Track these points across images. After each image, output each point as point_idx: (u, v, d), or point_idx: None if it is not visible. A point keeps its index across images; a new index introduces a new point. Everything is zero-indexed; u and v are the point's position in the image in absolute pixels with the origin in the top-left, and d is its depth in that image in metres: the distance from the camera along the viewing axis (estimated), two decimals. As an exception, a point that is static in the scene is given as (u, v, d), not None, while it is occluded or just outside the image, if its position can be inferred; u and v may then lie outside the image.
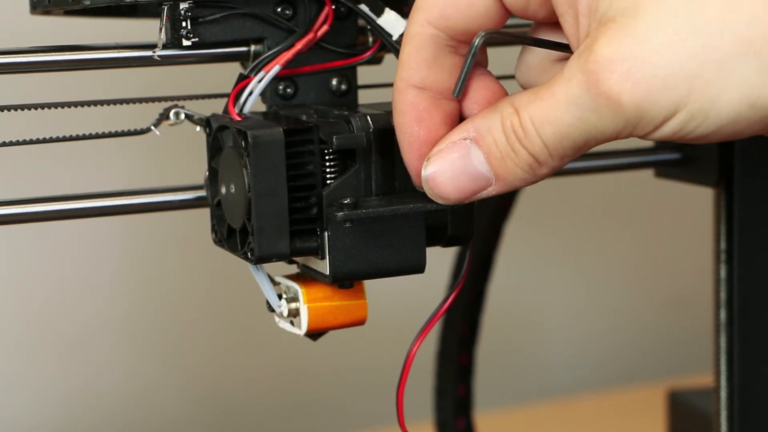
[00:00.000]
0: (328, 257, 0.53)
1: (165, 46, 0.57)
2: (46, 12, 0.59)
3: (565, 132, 0.49)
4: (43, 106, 0.59)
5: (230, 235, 0.56)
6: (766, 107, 0.49)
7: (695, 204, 0.98)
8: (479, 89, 0.53)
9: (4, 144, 0.58)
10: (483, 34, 0.50)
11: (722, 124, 0.50)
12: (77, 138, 0.60)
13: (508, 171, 0.50)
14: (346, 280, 0.54)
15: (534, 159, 0.50)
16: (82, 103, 0.60)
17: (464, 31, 0.51)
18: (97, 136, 0.60)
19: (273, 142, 0.52)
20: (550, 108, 0.49)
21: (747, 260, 0.66)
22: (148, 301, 1.11)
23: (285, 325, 0.58)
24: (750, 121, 0.50)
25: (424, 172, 0.51)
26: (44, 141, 0.59)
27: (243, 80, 0.57)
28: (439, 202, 0.51)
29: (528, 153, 0.50)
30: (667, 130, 0.50)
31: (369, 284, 0.56)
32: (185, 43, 0.57)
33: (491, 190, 0.51)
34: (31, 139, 0.59)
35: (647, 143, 0.68)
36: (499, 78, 0.54)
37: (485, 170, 0.50)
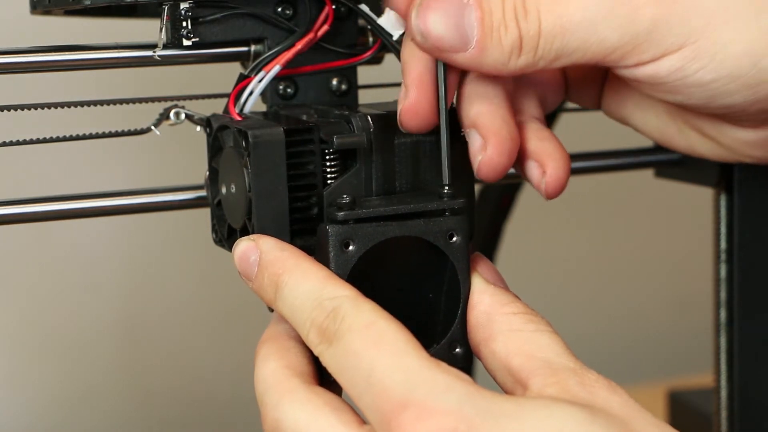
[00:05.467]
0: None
1: (165, 46, 0.57)
2: (46, 12, 0.59)
3: (567, 28, 0.49)
4: (43, 106, 0.59)
5: (231, 235, 0.56)
6: (767, 71, 0.49)
7: (695, 204, 0.98)
8: None
9: (4, 144, 0.58)
10: None
11: (721, 75, 0.50)
12: (77, 138, 0.60)
13: (491, 44, 0.50)
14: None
15: (519, 42, 0.50)
16: (82, 103, 0.60)
17: None
18: (97, 136, 0.60)
19: (274, 142, 0.52)
20: (561, 2, 0.49)
21: (747, 260, 0.66)
22: (148, 301, 1.11)
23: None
24: (744, 83, 0.50)
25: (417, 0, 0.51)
26: (44, 141, 0.59)
27: (243, 80, 0.57)
28: (418, 38, 0.51)
29: (518, 33, 0.50)
30: (665, 65, 0.50)
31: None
32: (185, 43, 0.57)
33: (463, 56, 0.50)
34: (31, 139, 0.59)
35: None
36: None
37: (471, 32, 0.50)
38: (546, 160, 0.54)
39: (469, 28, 0.50)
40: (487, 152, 0.53)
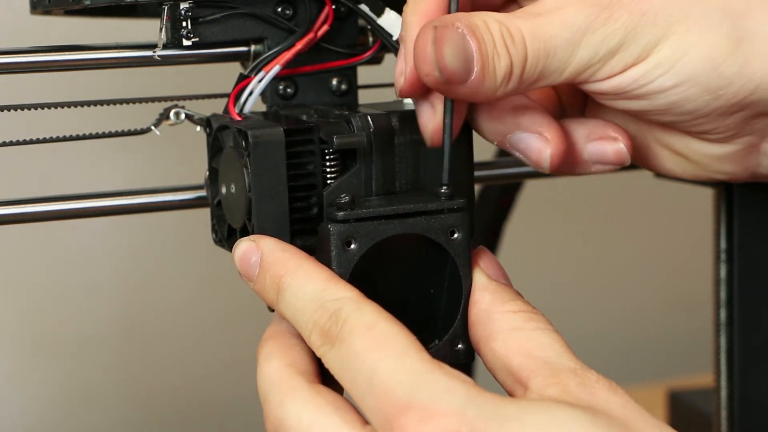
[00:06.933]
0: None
1: (165, 46, 0.57)
2: (46, 12, 0.59)
3: (550, 51, 0.50)
4: (43, 106, 0.59)
5: (231, 235, 0.56)
6: (727, 77, 0.50)
7: (695, 204, 0.98)
8: None
9: (4, 144, 0.58)
10: None
11: (682, 79, 0.51)
12: (77, 138, 0.60)
13: (488, 73, 0.50)
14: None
15: (511, 69, 0.50)
16: (82, 103, 0.60)
17: None
18: (97, 136, 0.60)
19: (273, 142, 0.52)
20: (544, 24, 0.50)
21: (747, 260, 0.66)
22: (148, 301, 1.11)
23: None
24: (704, 88, 0.51)
25: (431, 34, 0.50)
26: (44, 141, 0.59)
27: (243, 80, 0.57)
28: (435, 74, 0.50)
29: (510, 60, 0.50)
30: (629, 76, 0.51)
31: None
32: (185, 43, 0.57)
33: (464, 88, 0.50)
34: (31, 139, 0.59)
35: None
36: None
37: (472, 63, 0.50)
38: (611, 131, 0.55)
39: (471, 59, 0.50)
40: (553, 144, 0.53)
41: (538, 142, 0.53)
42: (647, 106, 0.52)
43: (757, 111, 0.52)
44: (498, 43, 0.50)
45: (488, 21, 0.50)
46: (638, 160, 0.58)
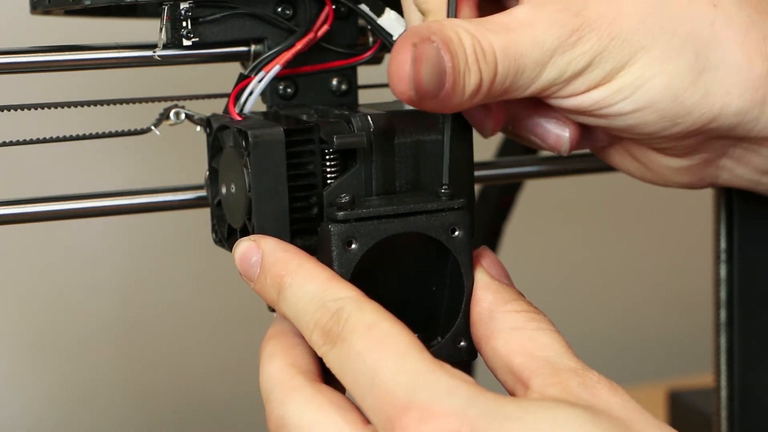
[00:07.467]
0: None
1: (165, 46, 0.57)
2: (46, 12, 0.59)
3: (519, 69, 0.50)
4: (43, 106, 0.59)
5: (231, 235, 0.56)
6: (686, 107, 0.51)
7: (695, 204, 0.98)
8: None
9: (4, 144, 0.58)
10: None
11: (641, 105, 0.51)
12: (77, 138, 0.60)
13: (458, 88, 0.50)
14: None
15: (480, 85, 0.50)
16: (82, 103, 0.60)
17: None
18: (97, 136, 0.60)
19: (274, 142, 0.52)
20: (515, 42, 0.50)
21: (747, 260, 0.66)
22: (148, 301, 1.11)
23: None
24: (663, 115, 0.51)
25: (411, 53, 0.49)
26: (44, 141, 0.59)
27: (243, 80, 0.57)
28: (410, 93, 0.49)
29: (480, 77, 0.50)
30: (591, 97, 0.51)
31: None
32: (185, 43, 0.57)
33: (432, 102, 0.50)
34: (31, 139, 0.59)
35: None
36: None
37: (447, 76, 0.49)
38: None
39: (444, 75, 0.49)
40: (570, 128, 0.54)
41: (555, 126, 0.54)
42: (606, 125, 0.53)
43: (714, 135, 0.54)
44: (470, 59, 0.50)
45: (461, 34, 0.50)
46: (602, 155, 0.59)
